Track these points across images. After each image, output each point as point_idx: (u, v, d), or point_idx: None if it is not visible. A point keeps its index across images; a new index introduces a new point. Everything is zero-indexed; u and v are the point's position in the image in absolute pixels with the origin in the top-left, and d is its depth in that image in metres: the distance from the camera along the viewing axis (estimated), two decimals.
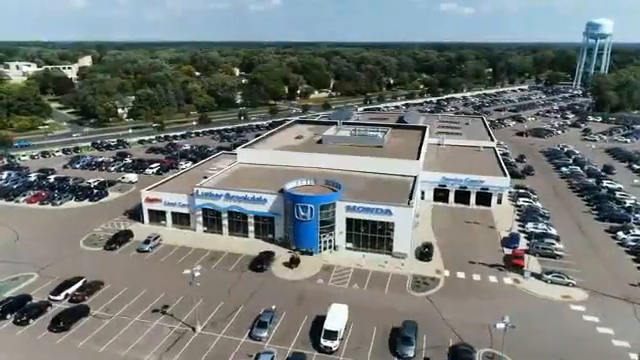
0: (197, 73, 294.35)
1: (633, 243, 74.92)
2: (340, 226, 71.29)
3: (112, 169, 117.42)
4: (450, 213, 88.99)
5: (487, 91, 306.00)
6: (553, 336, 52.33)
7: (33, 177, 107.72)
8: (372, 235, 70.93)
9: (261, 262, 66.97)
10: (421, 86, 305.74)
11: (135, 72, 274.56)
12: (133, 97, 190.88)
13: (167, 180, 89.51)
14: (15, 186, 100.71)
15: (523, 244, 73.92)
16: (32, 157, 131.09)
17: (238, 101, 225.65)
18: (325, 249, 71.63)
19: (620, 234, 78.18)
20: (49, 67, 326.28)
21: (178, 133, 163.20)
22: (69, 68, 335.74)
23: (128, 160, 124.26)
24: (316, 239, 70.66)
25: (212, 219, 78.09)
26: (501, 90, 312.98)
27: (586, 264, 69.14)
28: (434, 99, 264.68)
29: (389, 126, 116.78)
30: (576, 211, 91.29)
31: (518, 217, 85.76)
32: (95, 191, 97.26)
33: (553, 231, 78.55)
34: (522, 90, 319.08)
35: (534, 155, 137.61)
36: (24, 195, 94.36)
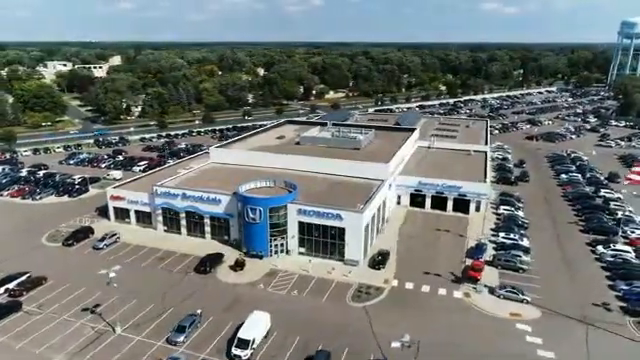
0: (220, 72, 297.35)
1: (611, 259, 68.91)
2: (292, 230, 69.23)
3: (103, 166, 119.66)
4: (423, 219, 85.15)
5: (511, 93, 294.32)
6: (485, 356, 48.44)
7: (24, 172, 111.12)
8: (324, 240, 68.46)
9: (205, 264, 65.78)
10: (442, 87, 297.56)
11: (156, 71, 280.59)
12: (143, 96, 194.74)
13: (138, 178, 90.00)
14: (4, 180, 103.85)
15: (489, 255, 69.69)
16: (34, 153, 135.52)
17: (250, 101, 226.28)
18: (277, 253, 69.73)
19: (599, 248, 72.20)
20: (83, 66, 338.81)
21: (180, 132, 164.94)
22: (100, 67, 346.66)
23: (120, 157, 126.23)
24: (266, 242, 68.85)
25: (171, 218, 77.65)
26: (526, 92, 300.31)
27: (552, 280, 64.13)
28: (451, 100, 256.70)
29: (377, 128, 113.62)
30: (561, 221, 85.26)
31: (494, 226, 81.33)
32: (76, 187, 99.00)
33: (525, 242, 73.43)
34: (549, 92, 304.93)
35: (538, 160, 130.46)
36: (8, 189, 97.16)
